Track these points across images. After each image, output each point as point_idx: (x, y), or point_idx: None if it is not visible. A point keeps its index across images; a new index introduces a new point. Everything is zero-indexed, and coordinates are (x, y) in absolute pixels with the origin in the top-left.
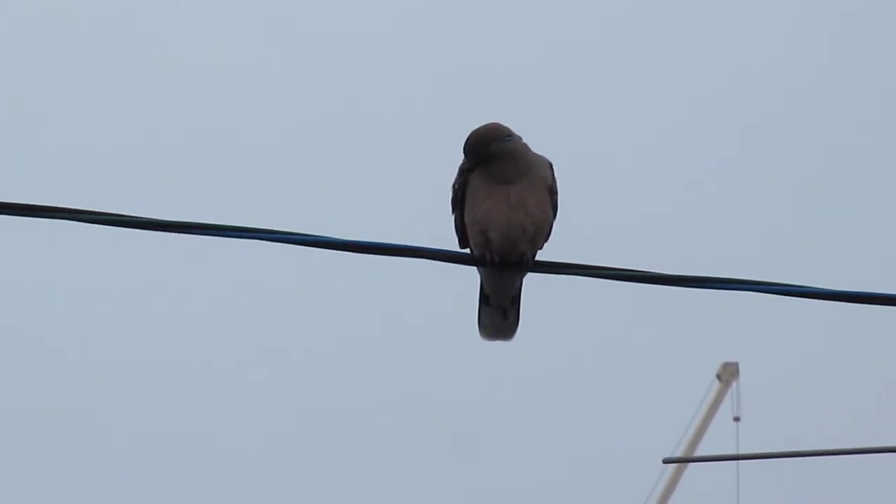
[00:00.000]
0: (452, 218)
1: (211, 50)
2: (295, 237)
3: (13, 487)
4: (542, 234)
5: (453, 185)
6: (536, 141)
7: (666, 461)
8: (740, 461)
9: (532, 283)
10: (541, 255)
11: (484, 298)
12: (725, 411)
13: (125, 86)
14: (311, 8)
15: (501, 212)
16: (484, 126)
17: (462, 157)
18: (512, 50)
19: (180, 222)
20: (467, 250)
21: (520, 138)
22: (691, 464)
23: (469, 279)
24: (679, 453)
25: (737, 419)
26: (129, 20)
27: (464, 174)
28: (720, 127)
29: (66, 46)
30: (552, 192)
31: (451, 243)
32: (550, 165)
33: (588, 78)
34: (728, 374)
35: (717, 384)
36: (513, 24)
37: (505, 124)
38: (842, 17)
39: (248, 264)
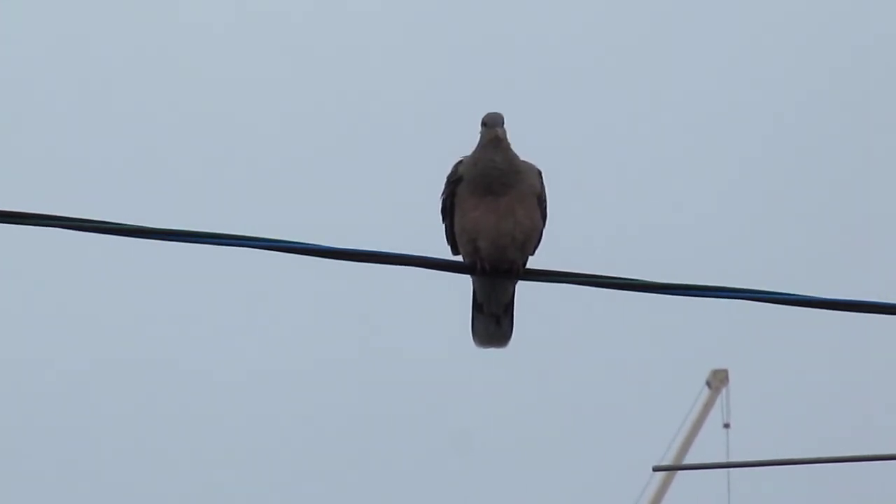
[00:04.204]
0: (443, 227)
1: (207, 59)
2: (288, 245)
3: (14, 496)
4: (531, 242)
5: (441, 195)
6: (533, 150)
7: (656, 468)
8: (730, 468)
9: (525, 292)
10: (532, 263)
11: (477, 307)
12: (715, 418)
13: (119, 93)
14: (309, 20)
15: (491, 221)
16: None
17: (449, 167)
18: (514, 58)
19: (168, 230)
20: (459, 257)
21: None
22: (681, 471)
23: (464, 288)
24: (669, 460)
25: (727, 426)
26: (128, 29)
27: (451, 185)
28: (717, 136)
29: (66, 54)
30: (541, 200)
31: (445, 252)
32: (539, 173)
33: (587, 88)
34: (718, 381)
35: (706, 391)
36: (517, 30)
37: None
38: (846, 29)
39: (242, 273)
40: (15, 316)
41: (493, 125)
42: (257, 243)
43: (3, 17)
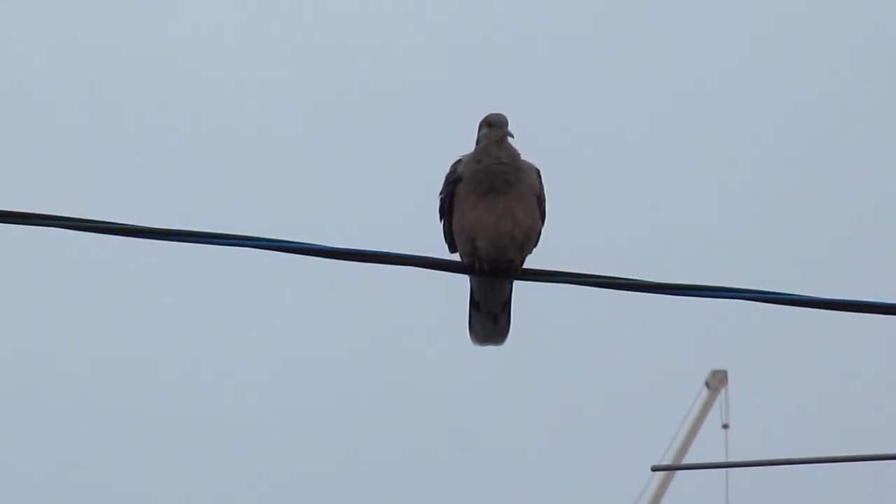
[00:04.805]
0: (441, 226)
1: (208, 59)
2: (288, 245)
3: (12, 496)
4: (530, 241)
5: (440, 194)
6: (532, 150)
7: (655, 469)
8: (729, 469)
9: (523, 290)
10: (530, 262)
11: (474, 304)
12: (714, 419)
13: (120, 93)
14: (310, 21)
15: (490, 221)
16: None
17: (448, 167)
18: (514, 58)
19: (168, 230)
20: (457, 255)
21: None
22: (680, 471)
23: (461, 285)
24: (668, 460)
25: (725, 426)
26: (128, 30)
27: (450, 185)
28: (716, 136)
29: (66, 54)
30: (540, 200)
31: (442, 251)
32: (538, 173)
33: (587, 88)
34: (717, 381)
35: (705, 392)
36: (517, 30)
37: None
38: (850, 34)
39: (243, 273)
40: (14, 316)
41: (500, 125)
42: (257, 243)
43: (3, 18)
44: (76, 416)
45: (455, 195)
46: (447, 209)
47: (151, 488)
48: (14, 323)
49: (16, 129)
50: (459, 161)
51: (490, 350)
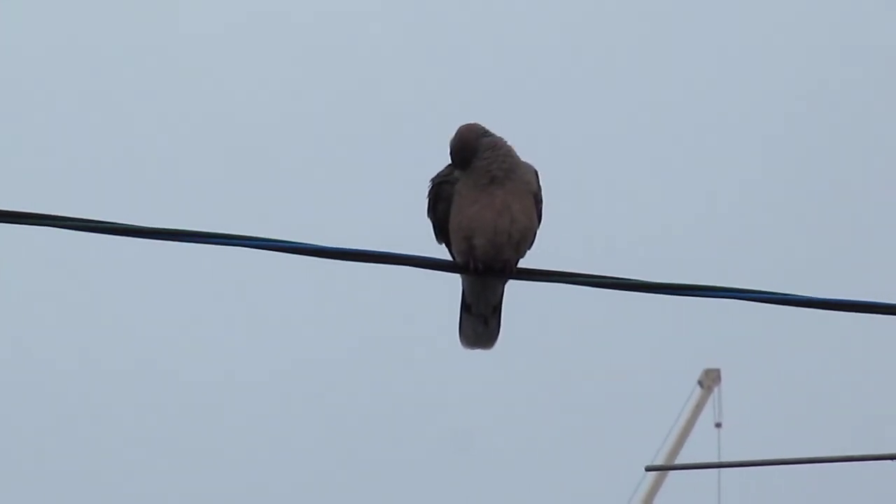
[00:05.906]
0: (431, 227)
1: (207, 59)
2: (286, 245)
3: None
4: (526, 241)
5: (427, 195)
6: (531, 151)
7: (649, 468)
8: (722, 468)
9: (514, 291)
10: (523, 263)
11: (465, 307)
12: (707, 418)
13: (119, 93)
14: (309, 21)
15: (487, 218)
16: (463, 127)
17: (438, 169)
18: (513, 59)
19: (168, 230)
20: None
21: (503, 140)
22: (673, 471)
23: (453, 288)
24: (660, 460)
25: (718, 425)
26: (127, 29)
27: (436, 186)
28: (713, 137)
29: (66, 54)
30: (537, 200)
31: (433, 251)
32: (536, 173)
33: (586, 88)
34: (710, 380)
35: (698, 390)
36: (516, 30)
37: (482, 125)
38: (851, 36)
39: (237, 272)
40: (13, 316)
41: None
42: (256, 243)
43: (3, 17)
44: (74, 417)
45: (454, 192)
46: (433, 207)
47: (147, 490)
48: (13, 323)
49: (15, 129)
50: None
51: (478, 354)
